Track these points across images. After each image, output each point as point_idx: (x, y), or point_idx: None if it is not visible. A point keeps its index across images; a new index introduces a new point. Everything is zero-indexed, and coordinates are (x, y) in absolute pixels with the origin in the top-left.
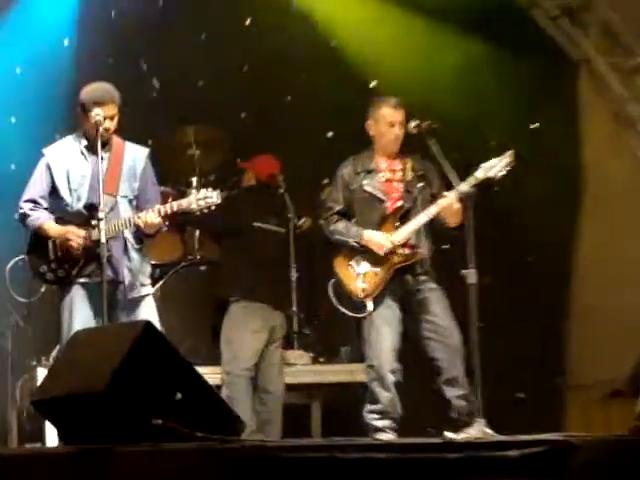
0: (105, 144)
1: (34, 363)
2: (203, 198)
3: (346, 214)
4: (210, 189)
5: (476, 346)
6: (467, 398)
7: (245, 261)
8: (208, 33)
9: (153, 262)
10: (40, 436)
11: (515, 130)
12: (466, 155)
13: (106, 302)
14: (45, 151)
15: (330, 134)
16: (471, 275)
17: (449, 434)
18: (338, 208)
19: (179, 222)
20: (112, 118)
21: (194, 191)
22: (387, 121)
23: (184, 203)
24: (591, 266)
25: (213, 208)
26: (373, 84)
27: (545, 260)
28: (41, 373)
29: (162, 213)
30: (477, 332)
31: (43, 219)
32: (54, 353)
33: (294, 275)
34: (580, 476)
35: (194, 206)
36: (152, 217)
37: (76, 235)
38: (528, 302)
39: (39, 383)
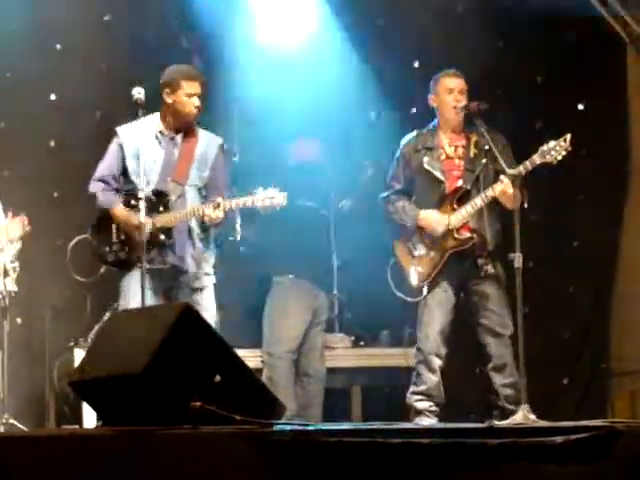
0: (178, 130)
1: (72, 344)
2: (270, 198)
3: (407, 192)
4: (278, 189)
5: (521, 331)
6: (515, 386)
7: (287, 240)
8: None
9: None
10: (78, 418)
11: (562, 111)
12: (513, 137)
13: (168, 289)
14: (119, 130)
15: (373, 115)
16: (517, 259)
17: (496, 423)
18: (398, 187)
19: None
20: (200, 97)
21: (261, 188)
22: (446, 88)
23: (249, 202)
24: (638, 250)
25: (278, 209)
26: (416, 64)
27: (590, 244)
28: (78, 354)
29: (226, 209)
30: (522, 317)
31: (111, 203)
32: (92, 334)
33: (335, 257)
34: (624, 463)
35: (259, 204)
36: (217, 214)
37: (140, 229)
38: (573, 286)
39: (77, 364)
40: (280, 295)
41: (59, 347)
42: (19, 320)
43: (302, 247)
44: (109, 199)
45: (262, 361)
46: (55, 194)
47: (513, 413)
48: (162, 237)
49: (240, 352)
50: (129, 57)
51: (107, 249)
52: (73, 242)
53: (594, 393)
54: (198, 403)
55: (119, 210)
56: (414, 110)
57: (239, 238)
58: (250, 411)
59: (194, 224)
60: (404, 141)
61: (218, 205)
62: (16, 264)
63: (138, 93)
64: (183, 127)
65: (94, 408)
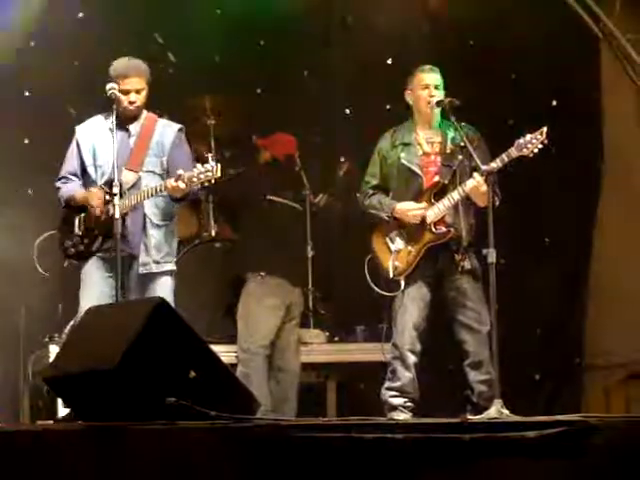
0: (135, 119)
1: (46, 340)
2: (204, 172)
3: (384, 188)
4: (212, 163)
5: (494, 326)
6: (490, 383)
7: (262, 236)
8: (224, 8)
9: None
10: (52, 413)
11: (535, 108)
12: (485, 133)
13: (120, 277)
14: (77, 128)
15: (347, 111)
16: (491, 254)
17: (470, 417)
18: (374, 182)
19: (194, 199)
20: (138, 92)
21: (199, 164)
22: (421, 84)
23: (186, 177)
24: (611, 247)
25: (213, 182)
26: (389, 61)
27: (563, 241)
28: (53, 350)
29: (178, 179)
30: (495, 313)
31: (72, 189)
32: (67, 330)
33: (310, 253)
34: (598, 457)
35: (195, 180)
36: (171, 183)
37: (96, 197)
38: (545, 282)
39: (51, 360)
40: (253, 291)
41: (34, 342)
42: None
43: (277, 243)
44: (70, 187)
45: (237, 357)
46: (29, 191)
47: (487, 409)
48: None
49: (215, 348)
50: (103, 54)
51: (70, 242)
52: (41, 237)
53: (568, 388)
54: (173, 398)
55: (78, 191)
56: (389, 107)
57: (214, 234)
58: (225, 406)
59: (150, 212)
60: (381, 137)
61: (177, 179)
62: None
63: (112, 89)
64: (131, 119)
65: (68, 403)
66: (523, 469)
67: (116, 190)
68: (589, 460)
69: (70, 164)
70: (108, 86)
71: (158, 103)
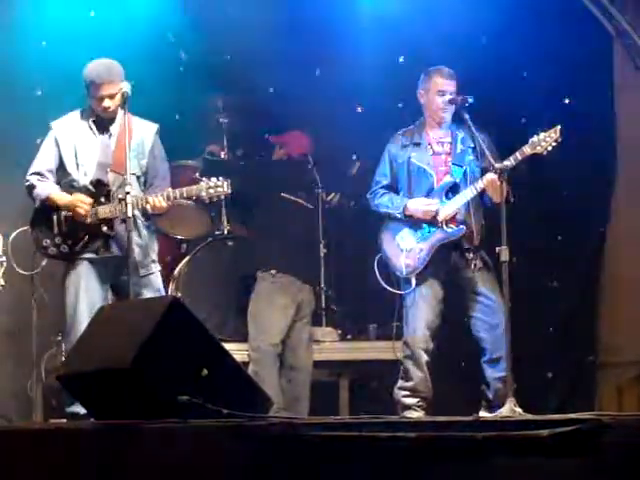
0: (112, 121)
1: (59, 338)
2: (214, 187)
3: (395, 188)
4: (221, 178)
5: (507, 324)
6: (506, 381)
7: (273, 234)
8: (236, 7)
9: (180, 237)
10: (65, 412)
11: (548, 105)
12: (499, 130)
13: (112, 279)
14: (53, 124)
15: (359, 110)
16: (503, 252)
17: (483, 414)
18: (385, 182)
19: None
20: (112, 97)
21: (205, 178)
22: (438, 89)
23: (194, 190)
24: (625, 243)
25: (222, 198)
26: (401, 59)
27: (576, 238)
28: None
29: (170, 198)
30: (508, 311)
31: (50, 190)
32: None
33: (322, 251)
34: (611, 455)
35: (204, 194)
36: (160, 201)
37: (84, 202)
38: (558, 281)
39: (64, 358)
40: (263, 290)
41: (47, 341)
42: (5, 314)
43: (289, 241)
44: (47, 187)
45: (249, 355)
46: None
47: (500, 407)
48: (105, 229)
49: (227, 346)
50: (114, 52)
51: (49, 241)
52: (13, 235)
53: (581, 386)
54: (185, 397)
55: (58, 194)
56: (400, 105)
57: (226, 232)
58: (237, 405)
59: (138, 213)
60: (391, 138)
61: (168, 197)
62: (4, 258)
63: (124, 87)
64: (108, 120)
65: (82, 402)
66: (536, 467)
67: (129, 189)
68: (602, 458)
69: (47, 160)
70: (121, 84)
71: (170, 102)
